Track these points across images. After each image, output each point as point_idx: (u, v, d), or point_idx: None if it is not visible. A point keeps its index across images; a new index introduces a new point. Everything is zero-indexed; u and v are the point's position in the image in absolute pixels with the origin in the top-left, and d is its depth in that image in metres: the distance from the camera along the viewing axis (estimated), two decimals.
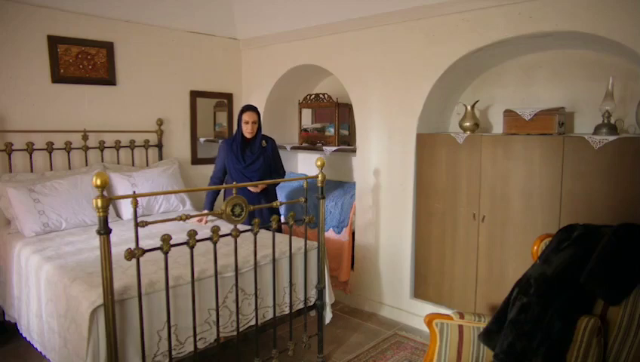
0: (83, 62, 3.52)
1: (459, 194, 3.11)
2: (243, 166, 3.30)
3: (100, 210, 1.73)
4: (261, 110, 4.44)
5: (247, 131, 3.29)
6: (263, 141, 3.41)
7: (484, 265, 3.02)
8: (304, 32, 3.90)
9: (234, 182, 3.06)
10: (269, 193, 3.44)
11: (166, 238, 1.92)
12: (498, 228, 2.94)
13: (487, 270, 3.01)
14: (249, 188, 3.27)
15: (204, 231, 2.24)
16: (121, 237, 2.80)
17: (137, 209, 1.82)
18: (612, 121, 2.62)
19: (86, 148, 3.55)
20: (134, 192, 3.06)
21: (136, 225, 1.82)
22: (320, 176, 2.60)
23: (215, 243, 2.12)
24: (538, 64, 3.12)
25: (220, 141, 3.61)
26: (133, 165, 3.84)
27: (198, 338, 2.15)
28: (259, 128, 3.37)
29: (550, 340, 1.71)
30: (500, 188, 2.91)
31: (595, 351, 1.69)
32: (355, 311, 3.66)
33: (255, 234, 2.31)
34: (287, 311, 2.62)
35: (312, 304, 2.77)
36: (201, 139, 4.41)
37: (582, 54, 2.94)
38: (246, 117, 3.29)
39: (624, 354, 1.68)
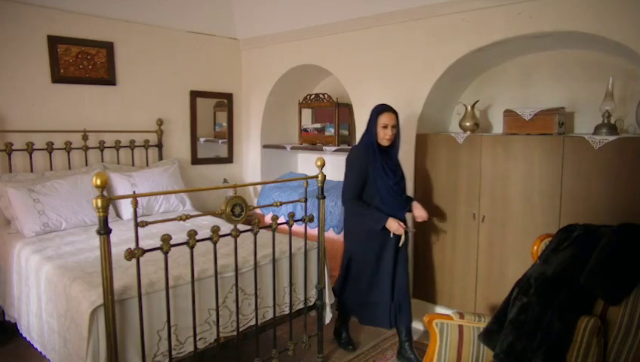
0: (83, 62, 3.52)
1: (459, 194, 3.11)
2: (394, 181, 2.71)
3: (100, 210, 1.73)
4: (261, 110, 4.46)
5: (386, 138, 2.69)
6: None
7: (484, 265, 3.02)
8: (304, 31, 3.90)
9: (378, 201, 2.68)
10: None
11: (166, 238, 1.92)
12: (498, 228, 2.94)
13: (487, 270, 3.01)
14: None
15: (204, 231, 2.24)
16: (121, 237, 2.80)
17: (137, 209, 1.81)
18: (612, 121, 2.62)
19: (86, 148, 3.55)
20: (134, 192, 3.06)
21: (136, 225, 1.82)
22: (320, 176, 2.60)
23: (215, 243, 2.12)
24: (538, 64, 3.12)
25: (353, 148, 2.86)
26: (133, 165, 3.84)
27: (198, 338, 2.15)
28: (397, 134, 2.76)
29: (550, 340, 1.71)
30: (499, 188, 2.91)
31: (595, 351, 1.69)
32: None
33: (255, 234, 2.31)
34: (287, 311, 2.62)
35: (312, 304, 2.77)
36: (201, 140, 4.41)
37: (582, 54, 2.94)
38: (385, 119, 2.68)
39: (624, 354, 1.68)
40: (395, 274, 2.78)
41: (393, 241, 2.72)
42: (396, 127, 2.72)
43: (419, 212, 2.80)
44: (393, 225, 2.64)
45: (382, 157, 2.70)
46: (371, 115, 2.75)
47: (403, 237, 2.71)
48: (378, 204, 2.68)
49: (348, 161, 2.78)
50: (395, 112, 2.73)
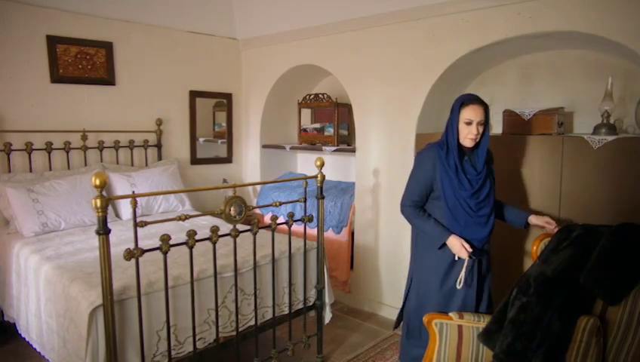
0: (82, 62, 3.52)
1: None
2: (470, 192, 2.14)
3: (99, 210, 1.72)
4: (260, 110, 4.46)
5: (469, 137, 2.11)
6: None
7: None
8: (304, 32, 3.90)
9: (448, 215, 2.16)
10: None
11: (165, 238, 1.92)
12: (498, 227, 2.93)
13: None
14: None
15: (203, 231, 2.24)
16: (121, 237, 2.79)
17: (136, 209, 1.81)
18: (611, 121, 2.62)
19: (85, 148, 3.54)
20: (133, 192, 3.05)
21: (136, 225, 1.82)
22: (319, 176, 2.60)
23: (214, 244, 2.12)
24: (537, 64, 3.13)
25: (426, 148, 2.27)
26: (132, 165, 3.84)
27: (197, 338, 2.15)
28: (485, 133, 2.17)
29: (550, 340, 1.71)
30: (498, 188, 2.90)
31: (595, 351, 1.69)
32: (355, 311, 3.66)
33: (254, 234, 2.30)
34: (286, 311, 2.62)
35: (311, 304, 2.77)
36: (201, 140, 4.40)
37: (581, 54, 2.94)
38: (469, 113, 2.10)
39: (623, 354, 1.68)
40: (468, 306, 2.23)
41: (462, 266, 2.18)
42: (484, 124, 2.14)
43: (541, 221, 2.22)
44: (455, 245, 2.13)
45: (460, 161, 2.15)
46: (453, 107, 2.18)
47: (466, 262, 2.16)
48: (446, 218, 2.17)
49: (415, 161, 2.31)
50: (484, 105, 2.13)
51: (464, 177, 2.15)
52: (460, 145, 2.16)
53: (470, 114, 2.09)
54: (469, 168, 2.17)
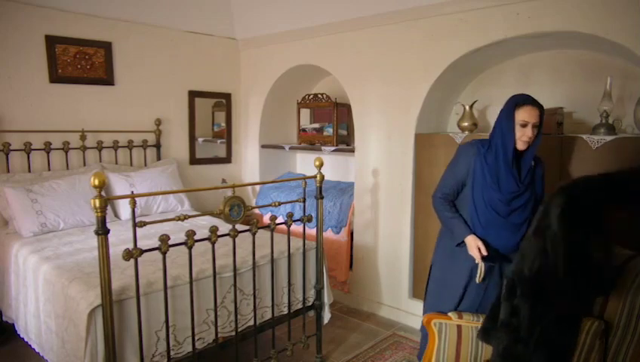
0: (81, 62, 3.52)
1: None
2: (505, 196, 2.06)
3: (98, 210, 1.72)
4: (259, 110, 4.46)
5: (524, 139, 2.02)
6: (532, 162, 2.13)
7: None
8: (303, 32, 3.90)
9: (473, 211, 2.11)
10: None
11: (164, 238, 1.92)
12: None
13: None
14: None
15: (202, 231, 2.24)
16: (120, 237, 2.79)
17: (135, 209, 1.81)
18: (610, 121, 2.62)
19: (84, 149, 3.54)
20: (132, 192, 3.05)
21: (135, 225, 1.82)
22: (318, 176, 2.60)
23: (213, 244, 2.12)
24: (536, 64, 3.13)
25: (468, 143, 2.21)
26: (131, 165, 3.83)
27: (196, 338, 2.14)
28: (538, 136, 2.06)
29: (551, 346, 1.67)
30: None
31: (597, 353, 1.68)
32: (354, 311, 3.66)
33: (253, 234, 2.30)
34: (285, 311, 2.62)
35: (310, 304, 2.77)
36: (200, 140, 4.40)
37: (580, 54, 2.94)
38: (525, 114, 2.01)
39: (622, 353, 1.68)
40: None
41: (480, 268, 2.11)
42: (539, 126, 2.03)
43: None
44: (471, 245, 2.08)
45: (505, 163, 2.06)
46: (506, 107, 2.08)
47: (481, 269, 2.09)
48: (470, 214, 2.12)
49: (455, 154, 2.24)
50: (539, 106, 2.03)
51: (504, 179, 2.05)
52: (513, 148, 2.05)
53: (526, 115, 2.00)
54: (512, 173, 2.06)
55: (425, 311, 2.38)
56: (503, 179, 2.05)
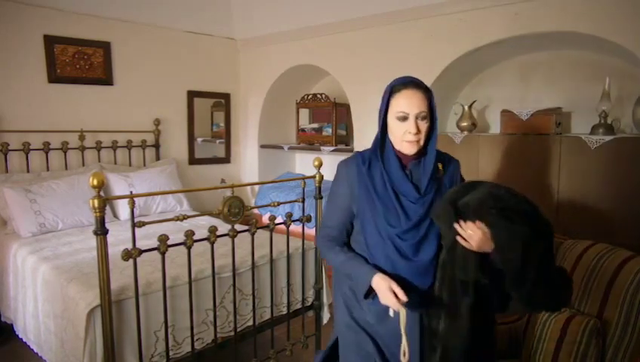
0: (80, 62, 3.51)
1: None
2: (401, 228, 1.43)
3: (97, 211, 1.72)
4: (258, 110, 4.45)
5: (408, 139, 1.42)
6: (439, 164, 1.52)
7: None
8: (302, 32, 3.90)
9: (370, 257, 1.47)
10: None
11: (163, 239, 1.92)
12: None
13: None
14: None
15: (201, 231, 2.24)
16: (118, 237, 2.78)
17: (134, 209, 1.81)
18: (609, 121, 2.63)
19: (83, 149, 3.53)
20: (131, 192, 3.05)
21: (134, 225, 1.81)
22: (317, 176, 2.60)
23: (212, 244, 2.12)
24: (535, 64, 3.13)
25: (352, 157, 1.67)
26: (130, 165, 3.83)
27: (195, 338, 2.14)
28: (432, 130, 1.46)
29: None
30: None
31: (594, 351, 1.69)
32: None
33: (252, 235, 2.30)
34: (284, 311, 2.62)
35: (309, 304, 2.77)
36: (199, 140, 4.40)
37: (579, 55, 2.95)
38: (402, 102, 1.41)
39: (622, 350, 1.69)
40: None
41: (410, 325, 1.43)
42: (429, 117, 1.42)
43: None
44: (381, 289, 1.39)
45: (394, 175, 1.47)
46: (382, 98, 1.48)
47: (403, 318, 1.40)
48: (370, 250, 1.48)
49: (335, 175, 1.71)
50: (424, 89, 1.44)
51: (396, 203, 1.44)
52: (396, 153, 1.46)
53: (404, 104, 1.39)
54: (407, 189, 1.45)
55: None
56: (395, 202, 1.44)
